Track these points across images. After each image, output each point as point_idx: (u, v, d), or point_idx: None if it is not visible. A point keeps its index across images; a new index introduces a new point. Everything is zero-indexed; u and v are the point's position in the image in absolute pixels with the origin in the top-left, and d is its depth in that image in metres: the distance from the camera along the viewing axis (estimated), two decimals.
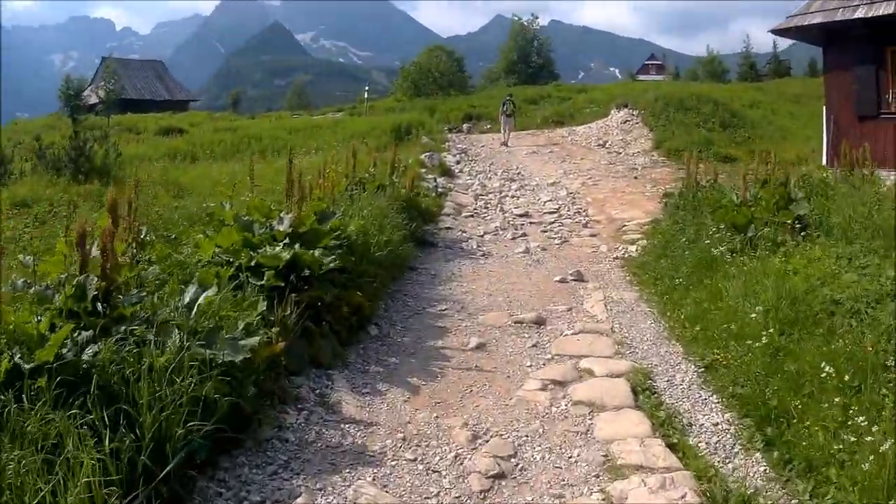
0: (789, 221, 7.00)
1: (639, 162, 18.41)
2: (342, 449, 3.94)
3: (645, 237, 10.14)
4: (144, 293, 3.85)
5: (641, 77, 65.97)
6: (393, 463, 3.83)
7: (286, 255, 5.02)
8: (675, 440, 4.12)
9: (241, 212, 6.05)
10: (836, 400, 3.71)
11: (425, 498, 3.52)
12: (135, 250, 5.04)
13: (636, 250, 9.66)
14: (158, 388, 3.20)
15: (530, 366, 5.43)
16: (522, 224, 11.74)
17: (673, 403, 4.70)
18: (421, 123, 23.79)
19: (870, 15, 12.25)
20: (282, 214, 5.93)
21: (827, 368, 3.86)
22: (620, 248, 10.03)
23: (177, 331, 3.50)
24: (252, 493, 3.40)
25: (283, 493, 3.43)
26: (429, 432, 4.23)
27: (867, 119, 13.16)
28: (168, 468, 3.03)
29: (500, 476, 3.73)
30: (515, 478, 3.75)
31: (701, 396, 4.83)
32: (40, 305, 3.67)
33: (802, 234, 6.84)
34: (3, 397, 2.98)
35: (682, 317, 6.22)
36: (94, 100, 42.36)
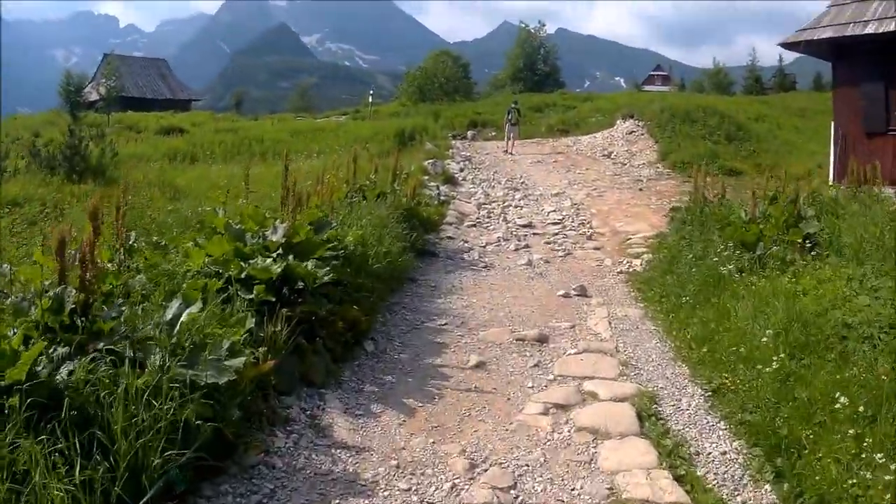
0: (799, 240, 6.84)
1: (644, 173, 18.24)
2: (332, 476, 3.72)
3: (650, 251, 9.93)
4: (125, 307, 3.63)
5: (647, 87, 66.02)
6: (385, 493, 3.61)
7: (278, 268, 4.79)
8: (683, 471, 3.92)
9: (234, 219, 5.83)
10: (850, 431, 3.53)
11: None
12: (122, 257, 4.84)
13: (641, 265, 9.47)
14: (135, 413, 3.00)
15: (532, 387, 5.22)
16: (525, 235, 11.57)
17: (679, 430, 4.51)
18: (425, 129, 23.66)
19: (880, 31, 12.13)
20: (276, 223, 5.71)
21: (841, 399, 3.69)
22: (625, 262, 9.85)
23: (157, 349, 3.28)
24: None
25: None
26: (424, 459, 4.01)
27: (875, 135, 13.00)
28: (143, 501, 2.82)
29: None
30: None
31: (708, 423, 4.63)
32: (15, 318, 3.46)
33: (812, 253, 6.66)
34: None
35: (689, 337, 6.03)
36: (94, 96, 41.97)
